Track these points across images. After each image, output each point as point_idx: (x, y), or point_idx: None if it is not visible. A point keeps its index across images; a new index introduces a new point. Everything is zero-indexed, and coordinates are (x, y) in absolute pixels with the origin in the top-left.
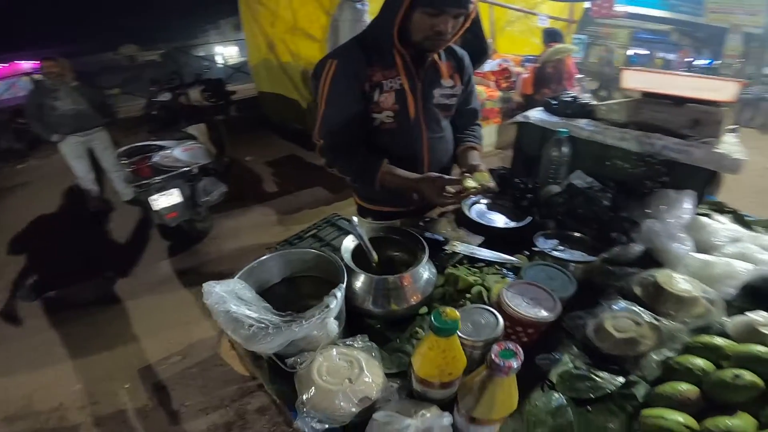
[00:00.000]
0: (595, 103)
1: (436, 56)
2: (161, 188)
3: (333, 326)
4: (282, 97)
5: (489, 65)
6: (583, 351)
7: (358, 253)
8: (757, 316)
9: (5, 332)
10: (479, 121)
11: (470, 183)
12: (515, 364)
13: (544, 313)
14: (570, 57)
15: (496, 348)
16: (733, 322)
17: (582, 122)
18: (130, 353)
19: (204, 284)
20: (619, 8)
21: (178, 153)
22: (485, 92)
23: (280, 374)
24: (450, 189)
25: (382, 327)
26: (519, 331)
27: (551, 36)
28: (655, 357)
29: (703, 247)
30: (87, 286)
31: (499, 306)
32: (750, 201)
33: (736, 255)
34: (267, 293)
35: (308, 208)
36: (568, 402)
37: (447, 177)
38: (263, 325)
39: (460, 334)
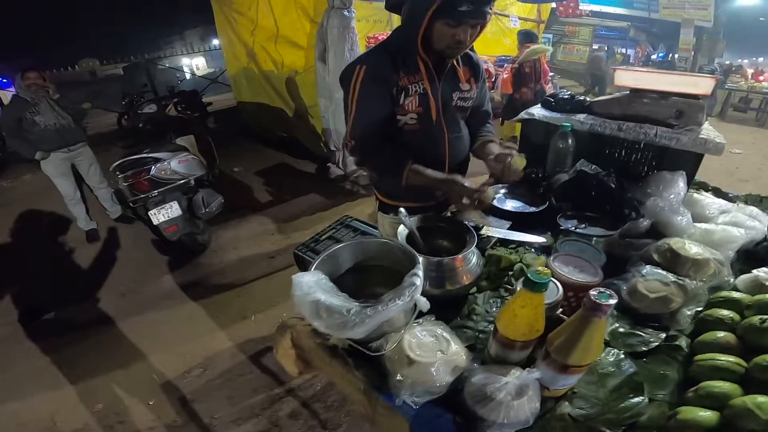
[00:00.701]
0: (590, 99)
1: (454, 62)
2: (160, 202)
3: (423, 301)
4: (265, 106)
5: None
6: (622, 313)
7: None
8: (763, 273)
9: (12, 353)
10: (491, 121)
11: (518, 162)
12: (612, 302)
13: (591, 278)
14: (544, 56)
15: (592, 292)
16: (741, 280)
17: (581, 117)
18: (148, 369)
19: (293, 276)
20: (584, 7)
21: (174, 165)
22: None
23: (362, 361)
24: (466, 200)
25: (436, 310)
26: (569, 296)
27: (527, 37)
28: (687, 312)
29: (698, 219)
30: (88, 307)
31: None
32: (722, 181)
33: (728, 223)
34: (335, 283)
35: (305, 215)
36: (626, 356)
37: (468, 186)
38: (359, 309)
39: None
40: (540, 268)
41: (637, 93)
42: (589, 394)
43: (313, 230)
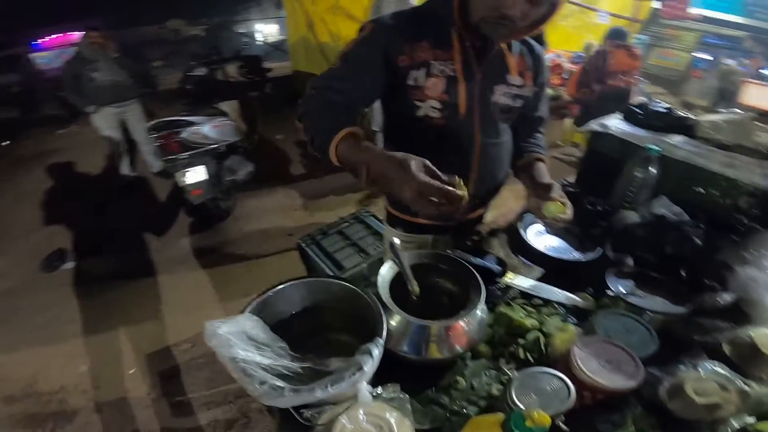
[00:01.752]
0: (695, 117)
1: (504, 47)
2: (188, 165)
3: (365, 393)
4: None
5: None
6: (650, 412)
7: (394, 278)
8: None
9: (18, 305)
10: (543, 129)
11: (551, 210)
12: None
13: (623, 382)
14: (622, 53)
15: None
16: None
17: (676, 139)
18: (139, 336)
19: (207, 323)
20: (694, 11)
21: (207, 130)
22: None
23: (293, 423)
24: (411, 193)
25: (415, 371)
26: (585, 395)
27: (617, 35)
28: (735, 423)
29: None
30: (106, 260)
31: (568, 367)
32: None
33: None
34: (285, 324)
35: (334, 194)
36: None
37: (422, 177)
38: (279, 385)
39: (521, 407)
40: (535, 414)
41: (762, 115)
42: None
43: (337, 211)
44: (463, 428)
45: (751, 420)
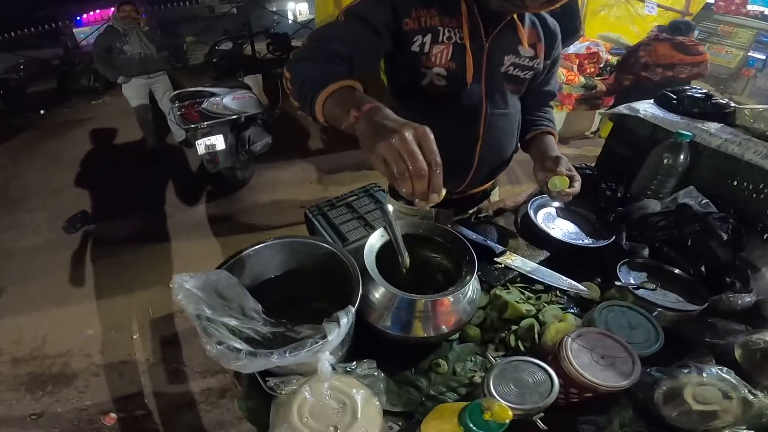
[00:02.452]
0: (735, 105)
1: (516, 17)
2: (207, 133)
3: (326, 364)
4: None
5: (574, 47)
6: (640, 416)
7: (385, 249)
8: None
9: (41, 264)
10: (552, 104)
11: (556, 184)
12: None
13: (616, 380)
14: (665, 45)
15: None
16: None
17: (712, 126)
18: (146, 301)
19: (175, 276)
20: (753, 7)
21: (227, 101)
22: (564, 75)
23: (259, 390)
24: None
25: (396, 349)
26: (573, 392)
27: (675, 29)
28: None
29: None
30: (122, 224)
31: (556, 359)
32: None
33: None
34: (263, 287)
35: (350, 170)
36: None
37: (433, 146)
38: (236, 347)
39: (497, 397)
40: (496, 407)
41: None
42: None
43: (351, 186)
44: (428, 414)
45: (744, 429)
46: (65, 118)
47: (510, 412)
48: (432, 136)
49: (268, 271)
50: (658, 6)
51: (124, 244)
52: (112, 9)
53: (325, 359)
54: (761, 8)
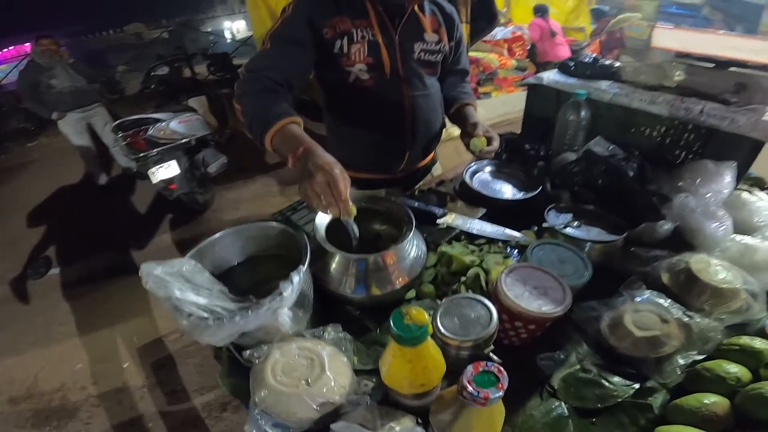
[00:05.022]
0: (619, 64)
1: (416, 8)
2: (159, 160)
3: (285, 318)
4: None
5: (501, 32)
6: (595, 350)
7: (336, 227)
8: None
9: (14, 311)
10: (468, 80)
11: (476, 144)
12: (494, 394)
13: (549, 307)
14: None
15: (470, 371)
16: None
17: (604, 84)
18: (130, 330)
19: (142, 265)
20: None
21: (174, 125)
22: (497, 60)
23: (239, 367)
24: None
25: (361, 314)
26: (518, 327)
27: (539, 11)
28: (680, 361)
29: (742, 228)
30: (89, 262)
31: (496, 295)
32: None
33: None
34: (227, 275)
35: None
36: (570, 412)
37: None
38: (204, 316)
39: (444, 332)
40: (413, 310)
41: (683, 59)
42: None
43: None
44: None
45: (699, 357)
46: (3, 165)
47: (426, 317)
48: (339, 177)
49: (230, 258)
50: None
51: (95, 282)
52: (28, 44)
53: (285, 314)
54: None
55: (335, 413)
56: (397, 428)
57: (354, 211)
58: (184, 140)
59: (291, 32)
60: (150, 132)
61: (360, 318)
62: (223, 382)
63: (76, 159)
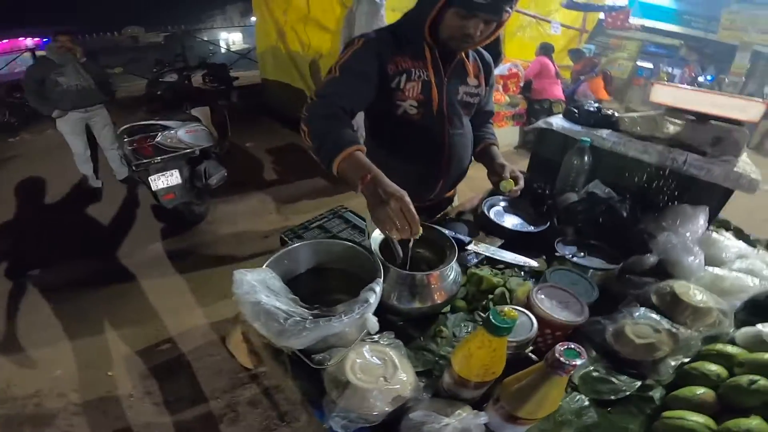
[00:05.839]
0: (618, 114)
1: (464, 55)
2: (161, 168)
3: (373, 322)
4: (287, 86)
5: (498, 69)
6: (602, 355)
7: (381, 247)
8: (765, 328)
9: None
10: (492, 121)
11: (505, 186)
12: (580, 361)
13: (573, 317)
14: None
15: (559, 347)
16: (742, 333)
17: (604, 132)
18: (115, 340)
19: (235, 272)
20: (634, 21)
21: (181, 134)
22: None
23: (304, 370)
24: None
25: (404, 325)
26: (546, 334)
27: (545, 49)
28: (671, 362)
29: (712, 262)
30: (73, 266)
31: (529, 307)
32: (743, 220)
33: (743, 270)
34: (291, 284)
35: (307, 198)
36: (591, 403)
37: (411, 208)
38: (299, 320)
39: None
40: (506, 309)
41: (672, 112)
42: None
43: (311, 214)
44: (453, 351)
45: (685, 360)
46: None
47: (516, 314)
48: (409, 201)
49: (297, 268)
50: (561, 26)
51: (79, 287)
52: (23, 40)
53: (372, 318)
54: (642, 21)
55: (401, 407)
56: (462, 414)
57: (421, 231)
58: (188, 150)
59: (360, 65)
60: (158, 139)
61: (404, 328)
62: (294, 384)
63: (59, 160)
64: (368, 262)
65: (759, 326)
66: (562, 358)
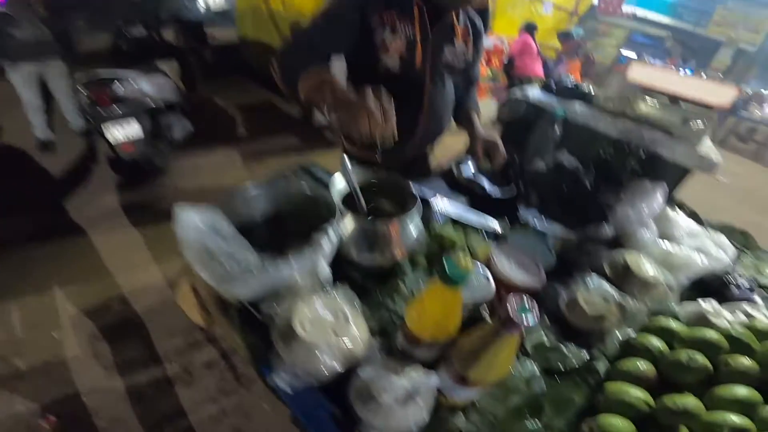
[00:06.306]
0: (594, 91)
1: (454, 17)
2: (120, 119)
3: (325, 269)
4: (266, 45)
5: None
6: (554, 323)
7: (345, 202)
8: (708, 305)
9: None
10: (474, 87)
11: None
12: (531, 320)
13: (530, 281)
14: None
15: (513, 301)
16: (684, 308)
17: (578, 106)
18: (63, 298)
19: (177, 207)
20: (627, 8)
21: (144, 86)
22: None
23: (252, 324)
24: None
25: (362, 279)
26: (502, 296)
27: (528, 28)
28: (618, 335)
29: (664, 238)
30: (17, 220)
31: (488, 267)
32: (697, 205)
33: (694, 248)
34: (245, 232)
35: (276, 155)
36: (540, 372)
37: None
38: (246, 265)
39: None
40: (462, 257)
41: (646, 91)
42: (488, 410)
43: (287, 169)
44: (409, 303)
45: (631, 333)
46: None
47: (472, 265)
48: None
49: (251, 213)
50: (554, 6)
51: (23, 242)
52: None
53: (324, 264)
54: (635, 9)
55: (353, 369)
56: (413, 375)
57: (396, 136)
58: (152, 102)
59: (344, 13)
60: (118, 89)
61: (361, 283)
62: (239, 340)
63: (9, 110)
64: (328, 210)
65: (700, 301)
66: (513, 315)
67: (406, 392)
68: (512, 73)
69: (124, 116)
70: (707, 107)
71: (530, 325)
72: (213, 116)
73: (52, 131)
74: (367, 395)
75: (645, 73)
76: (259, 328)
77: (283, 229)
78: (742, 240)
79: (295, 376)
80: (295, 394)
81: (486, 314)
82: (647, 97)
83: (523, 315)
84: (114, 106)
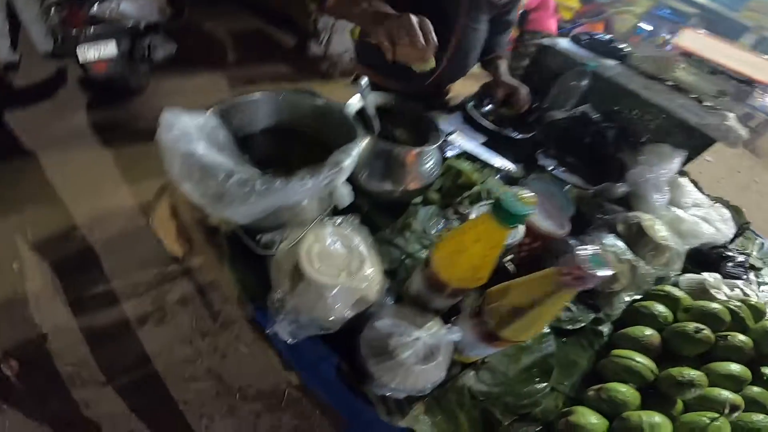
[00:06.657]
0: (630, 49)
1: None
2: (93, 38)
3: (344, 193)
4: None
5: None
6: None
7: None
8: (710, 278)
9: None
10: (508, 33)
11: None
12: (608, 273)
13: (556, 228)
14: None
15: (581, 252)
16: (685, 279)
17: (610, 62)
18: (23, 224)
19: (165, 110)
20: None
21: (124, 6)
22: None
23: (245, 258)
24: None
25: (369, 212)
26: (524, 243)
27: None
28: (625, 297)
29: (674, 204)
30: None
31: None
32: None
33: (700, 218)
34: (242, 144)
35: (265, 81)
36: (551, 331)
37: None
38: (246, 179)
39: None
40: (524, 194)
41: (686, 56)
42: (499, 369)
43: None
44: (441, 242)
45: (637, 296)
46: None
47: (533, 200)
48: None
49: (252, 124)
50: None
51: None
52: None
53: (344, 188)
54: None
55: (362, 314)
56: (433, 328)
57: (433, 63)
58: (130, 21)
59: None
60: (93, 9)
61: (369, 216)
62: (229, 276)
63: None
64: (342, 125)
65: (705, 275)
66: (586, 268)
67: (426, 349)
68: (524, 27)
69: (100, 38)
70: (747, 83)
71: (606, 276)
72: (201, 40)
73: (16, 52)
74: (383, 350)
75: (695, 39)
76: (254, 261)
77: (287, 145)
78: (734, 216)
79: (297, 323)
80: (298, 342)
81: (509, 266)
82: (686, 64)
83: (597, 267)
84: (90, 27)
